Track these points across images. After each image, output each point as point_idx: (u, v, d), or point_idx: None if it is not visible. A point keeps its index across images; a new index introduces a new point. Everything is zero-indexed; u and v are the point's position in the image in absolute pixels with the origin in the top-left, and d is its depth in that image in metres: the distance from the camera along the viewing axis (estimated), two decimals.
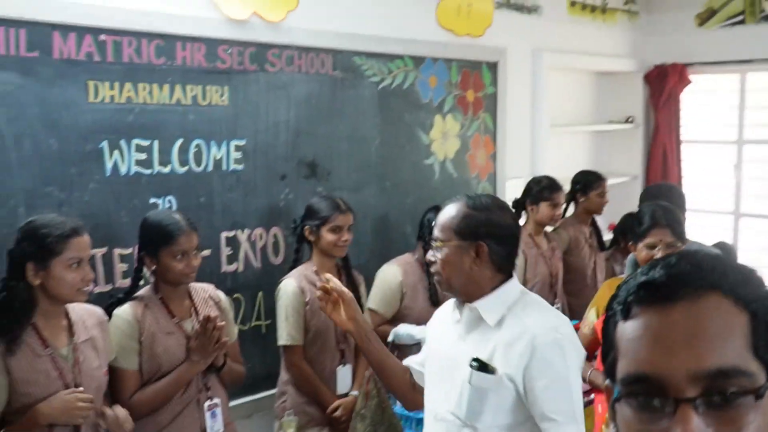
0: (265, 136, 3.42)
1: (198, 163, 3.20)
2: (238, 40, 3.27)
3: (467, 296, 2.06)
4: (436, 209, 3.58)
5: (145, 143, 3.02)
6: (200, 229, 2.78)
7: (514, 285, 2.09)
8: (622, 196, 5.18)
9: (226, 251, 3.33)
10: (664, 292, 0.90)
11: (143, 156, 3.02)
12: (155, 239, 2.62)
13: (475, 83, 4.39)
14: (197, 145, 3.19)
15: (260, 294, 3.43)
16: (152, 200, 3.04)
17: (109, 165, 2.93)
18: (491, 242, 2.03)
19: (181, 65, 3.10)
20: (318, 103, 3.61)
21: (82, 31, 2.81)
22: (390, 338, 3.27)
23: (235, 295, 3.34)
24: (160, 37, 3.02)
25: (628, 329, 0.91)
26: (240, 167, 3.34)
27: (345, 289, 2.29)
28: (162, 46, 3.03)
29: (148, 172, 3.04)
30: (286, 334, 3.13)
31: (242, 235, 3.38)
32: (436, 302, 3.33)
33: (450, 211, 2.09)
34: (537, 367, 1.92)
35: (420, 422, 2.71)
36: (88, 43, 2.83)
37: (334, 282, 2.28)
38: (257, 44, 3.34)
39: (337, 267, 3.28)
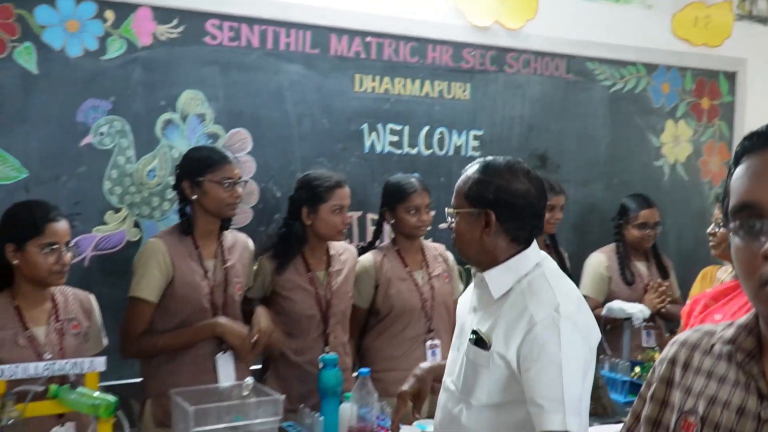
0: (501, 129, 3.90)
1: (441, 147, 3.74)
2: (481, 44, 3.79)
3: (481, 266, 1.97)
4: (636, 197, 3.85)
5: (398, 128, 3.63)
6: (439, 206, 3.29)
7: (528, 256, 1.94)
8: None
9: None
10: (762, 140, 1.14)
11: (395, 138, 3.62)
12: (394, 196, 3.17)
13: (711, 91, 4.53)
14: (441, 133, 3.74)
15: None
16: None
17: (367, 144, 3.56)
18: (502, 210, 1.89)
19: (430, 64, 3.68)
20: (551, 103, 4.02)
21: (352, 33, 3.48)
22: (603, 312, 3.56)
23: (467, 266, 3.81)
24: (414, 39, 3.62)
25: (736, 173, 1.16)
26: (477, 154, 3.83)
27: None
28: (415, 47, 3.63)
29: (398, 152, 3.63)
30: None
31: None
32: (630, 281, 3.70)
33: (464, 176, 2.00)
34: (529, 348, 1.78)
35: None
36: (356, 43, 3.49)
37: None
38: (497, 48, 3.84)
39: (545, 244, 3.65)
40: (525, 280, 1.89)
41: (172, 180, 3.07)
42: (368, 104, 3.54)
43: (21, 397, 2.15)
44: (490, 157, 2.00)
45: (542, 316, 1.80)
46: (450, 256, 3.38)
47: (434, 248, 3.35)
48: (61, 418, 2.37)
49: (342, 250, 3.11)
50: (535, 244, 1.97)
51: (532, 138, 3.99)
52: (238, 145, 3.21)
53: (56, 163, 2.92)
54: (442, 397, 2.04)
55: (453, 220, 2.00)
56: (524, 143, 3.97)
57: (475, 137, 3.83)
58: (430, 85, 3.69)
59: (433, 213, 3.25)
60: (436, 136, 3.73)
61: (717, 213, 3.01)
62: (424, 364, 2.25)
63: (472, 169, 1.99)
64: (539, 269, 1.92)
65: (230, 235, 2.91)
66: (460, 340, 2.00)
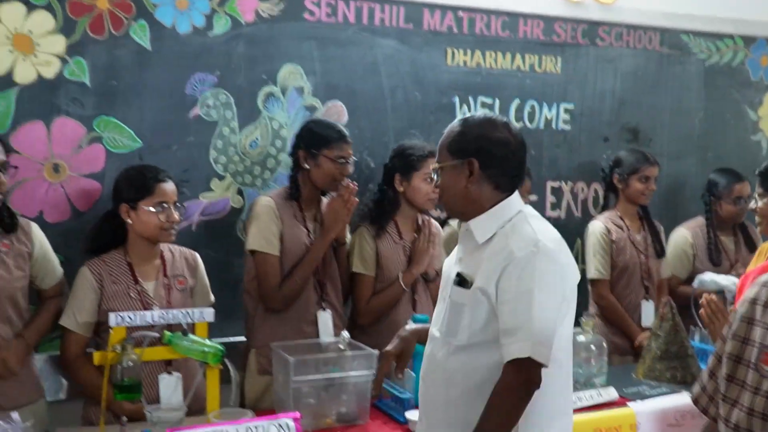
0: (592, 102, 3.92)
1: (531, 120, 3.80)
2: (573, 18, 3.82)
3: (467, 217, 2.04)
4: (726, 171, 3.79)
5: (488, 101, 3.70)
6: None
7: (511, 202, 2.01)
8: None
9: (550, 199, 3.88)
10: None
11: (486, 111, 3.69)
12: None
13: None
14: (531, 106, 3.79)
15: (578, 241, 3.90)
16: None
17: (458, 116, 3.64)
18: (484, 158, 1.97)
19: (522, 38, 3.73)
20: (643, 76, 4.01)
21: (445, 8, 3.57)
22: (695, 284, 3.55)
23: None
24: (506, 14, 3.69)
25: None
26: (567, 127, 3.87)
27: None
28: (507, 21, 3.69)
29: None
30: (593, 268, 3.58)
31: (566, 187, 3.91)
32: (717, 262, 3.68)
33: (445, 133, 2.08)
34: (506, 280, 1.87)
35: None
36: (449, 18, 3.58)
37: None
38: (589, 22, 3.86)
39: (638, 215, 3.66)
40: (508, 224, 1.96)
41: (273, 150, 3.25)
42: (460, 77, 3.63)
43: (138, 342, 2.35)
44: (468, 114, 2.07)
45: (520, 251, 1.88)
46: None
47: None
48: (169, 366, 2.55)
49: (428, 222, 3.21)
50: (516, 193, 2.04)
51: (624, 111, 3.99)
52: (334, 118, 3.35)
53: (167, 133, 3.12)
54: (428, 347, 2.10)
55: (437, 177, 2.06)
56: (615, 117, 3.98)
57: (566, 110, 3.86)
58: (521, 58, 3.74)
59: (531, 198, 3.35)
60: (527, 110, 3.79)
61: (759, 189, 2.93)
62: (409, 326, 2.30)
63: (452, 125, 2.07)
64: (521, 214, 1.99)
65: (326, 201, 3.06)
66: (446, 291, 2.06)
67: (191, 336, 2.40)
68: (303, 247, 2.92)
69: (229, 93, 3.20)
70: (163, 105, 3.11)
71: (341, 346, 2.57)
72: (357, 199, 2.94)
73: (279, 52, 3.28)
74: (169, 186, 2.67)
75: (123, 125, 3.05)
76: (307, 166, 2.92)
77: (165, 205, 2.63)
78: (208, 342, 2.40)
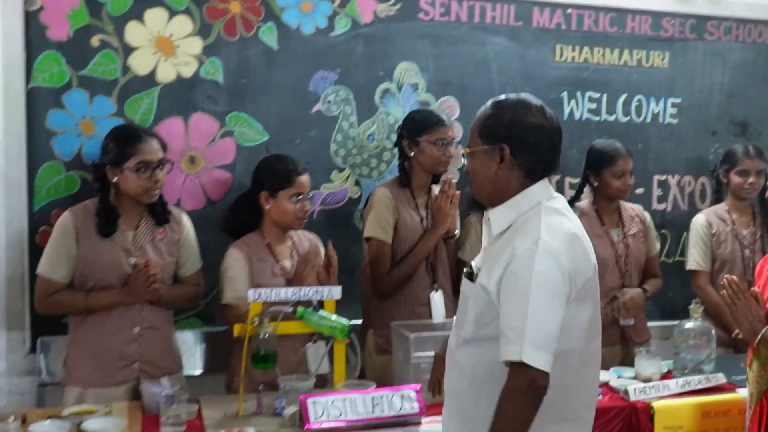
0: (699, 96, 3.95)
1: (638, 114, 3.87)
2: (681, 13, 3.87)
3: (493, 204, 1.96)
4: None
5: (596, 95, 3.79)
6: (635, 172, 3.44)
7: (532, 193, 1.91)
8: None
9: (656, 192, 3.94)
10: None
11: (593, 106, 3.79)
12: (601, 161, 3.35)
13: None
14: (638, 100, 3.86)
15: (684, 234, 3.93)
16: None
17: (566, 111, 3.75)
18: (516, 144, 1.88)
19: (629, 33, 3.81)
20: (753, 70, 4.02)
21: (554, 6, 3.69)
22: None
23: (662, 231, 3.91)
24: (613, 10, 3.77)
25: None
26: (674, 121, 3.92)
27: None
28: (614, 17, 3.78)
29: (596, 119, 3.80)
30: (692, 260, 3.62)
31: (672, 180, 3.95)
32: None
33: (477, 115, 1.98)
34: (506, 279, 1.81)
35: None
36: (558, 15, 3.69)
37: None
38: (698, 16, 3.90)
39: (752, 209, 3.66)
40: (522, 218, 1.88)
41: (388, 143, 3.44)
42: (568, 73, 3.73)
43: (274, 316, 2.57)
44: (502, 96, 1.99)
45: (522, 248, 1.80)
46: (647, 216, 3.53)
47: (632, 209, 3.50)
48: (313, 336, 2.76)
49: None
50: (545, 182, 1.94)
51: (732, 105, 4.01)
52: (447, 112, 3.50)
53: (291, 127, 3.35)
54: (451, 335, 2.06)
55: (466, 161, 1.98)
56: (723, 110, 3.99)
57: (673, 105, 3.91)
58: (628, 54, 3.82)
59: (638, 191, 3.42)
60: (634, 104, 3.85)
61: None
62: None
63: (484, 107, 1.98)
64: (538, 207, 1.88)
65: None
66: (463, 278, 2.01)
67: (321, 311, 2.60)
68: (416, 233, 3.09)
69: (348, 89, 3.41)
70: (288, 101, 3.34)
71: None
72: (458, 192, 3.08)
73: (395, 51, 3.46)
74: (306, 178, 2.90)
75: (252, 120, 3.29)
76: (411, 153, 3.10)
77: (301, 195, 2.85)
78: (335, 318, 2.60)
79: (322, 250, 3.01)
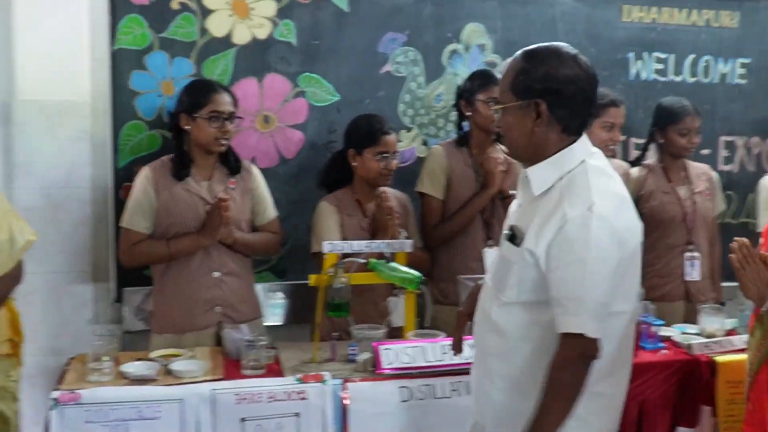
0: None
1: (706, 75, 3.86)
2: None
3: (530, 162, 1.90)
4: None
5: (663, 56, 3.80)
6: (702, 132, 3.45)
7: (574, 151, 1.85)
8: None
9: (723, 153, 3.93)
10: None
11: (660, 66, 3.79)
12: (667, 118, 3.38)
13: None
14: (706, 61, 3.85)
15: (750, 195, 3.92)
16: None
17: (632, 71, 3.77)
18: (552, 99, 1.80)
19: None
20: None
21: None
22: None
23: (728, 192, 3.90)
24: None
25: None
26: (743, 82, 3.90)
27: None
28: None
29: (663, 79, 3.81)
30: (763, 223, 3.61)
31: (739, 141, 3.94)
32: None
33: (506, 68, 1.89)
34: (558, 246, 1.76)
35: None
36: None
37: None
38: None
39: None
40: (567, 177, 1.82)
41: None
42: (634, 33, 3.74)
43: (347, 267, 2.68)
44: (532, 45, 1.88)
45: (575, 214, 1.74)
46: (714, 175, 3.55)
47: (699, 167, 3.52)
48: (395, 289, 2.85)
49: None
50: (585, 138, 1.89)
51: None
52: None
53: (361, 87, 3.45)
54: (481, 294, 2.05)
55: (499, 116, 1.91)
56: None
57: (742, 65, 3.89)
58: (697, 13, 3.80)
59: (704, 152, 3.44)
60: (702, 64, 3.85)
61: None
62: (479, 284, 2.19)
63: (514, 60, 1.87)
64: (583, 166, 1.83)
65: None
66: (502, 239, 1.96)
67: (392, 263, 2.71)
68: (470, 191, 3.17)
69: (417, 50, 3.48)
70: (357, 62, 3.43)
71: None
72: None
73: (463, 12, 3.52)
74: (391, 138, 3.01)
75: (323, 80, 3.39)
76: (468, 113, 3.18)
77: (386, 154, 2.96)
78: (406, 269, 2.70)
79: (410, 206, 3.16)
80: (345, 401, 2.43)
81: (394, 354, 2.52)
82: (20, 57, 3.11)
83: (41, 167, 3.16)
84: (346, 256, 2.69)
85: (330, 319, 2.73)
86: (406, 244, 2.76)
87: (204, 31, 3.25)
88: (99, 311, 3.29)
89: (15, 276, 2.68)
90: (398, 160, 3.04)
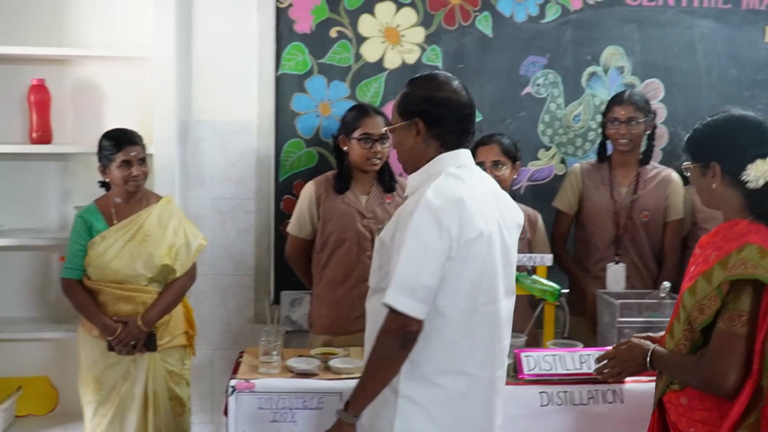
0: None
1: None
2: None
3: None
4: None
5: None
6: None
7: (442, 160, 2.10)
8: None
9: None
10: None
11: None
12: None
13: None
14: None
15: None
16: None
17: None
18: (428, 117, 2.09)
19: None
20: None
21: None
22: None
23: None
24: None
25: None
26: None
27: None
28: None
29: None
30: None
31: None
32: None
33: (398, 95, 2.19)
34: (395, 234, 2.03)
35: None
36: None
37: None
38: None
39: None
40: (428, 182, 2.06)
41: (593, 124, 3.64)
42: None
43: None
44: (418, 74, 2.23)
45: (409, 205, 2.03)
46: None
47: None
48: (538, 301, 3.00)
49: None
50: (462, 152, 2.12)
51: None
52: (651, 94, 3.65)
53: (502, 108, 3.64)
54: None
55: (390, 138, 2.25)
56: None
57: None
58: None
59: None
60: None
61: None
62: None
63: (402, 88, 2.19)
64: (443, 173, 2.06)
65: (653, 171, 3.39)
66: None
67: (534, 276, 2.88)
68: (602, 209, 3.32)
69: (557, 73, 3.65)
70: (500, 84, 3.63)
71: (662, 294, 2.91)
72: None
73: (602, 35, 3.65)
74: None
75: None
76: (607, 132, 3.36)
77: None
78: (546, 282, 2.87)
79: (541, 223, 3.31)
80: None
81: (534, 360, 2.69)
82: (197, 82, 3.50)
83: (212, 180, 3.55)
84: None
85: None
86: (546, 258, 2.93)
87: (359, 56, 3.54)
88: (259, 311, 3.61)
89: (191, 275, 3.10)
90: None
